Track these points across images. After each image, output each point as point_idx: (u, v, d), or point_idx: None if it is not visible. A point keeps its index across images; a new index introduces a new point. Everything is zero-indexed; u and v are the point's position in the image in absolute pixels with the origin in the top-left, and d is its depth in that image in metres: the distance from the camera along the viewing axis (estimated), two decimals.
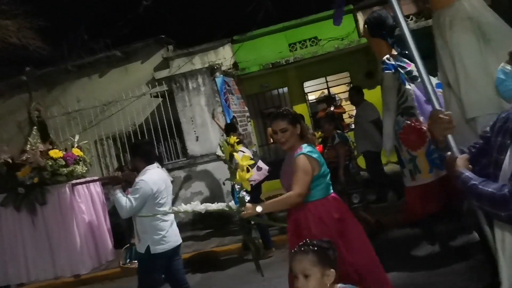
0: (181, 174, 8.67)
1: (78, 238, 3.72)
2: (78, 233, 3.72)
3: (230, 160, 6.15)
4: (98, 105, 8.88)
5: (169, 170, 7.81)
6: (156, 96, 9.09)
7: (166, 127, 8.66)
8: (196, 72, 8.80)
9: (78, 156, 3.94)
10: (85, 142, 4.11)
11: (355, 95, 6.92)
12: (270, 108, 11.00)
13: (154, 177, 3.71)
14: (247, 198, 2.77)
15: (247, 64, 9.92)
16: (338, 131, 5.86)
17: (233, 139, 6.08)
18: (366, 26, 4.47)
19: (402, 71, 4.26)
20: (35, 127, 3.95)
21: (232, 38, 9.88)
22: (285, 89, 10.99)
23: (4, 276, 3.66)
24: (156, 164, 3.90)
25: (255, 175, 6.01)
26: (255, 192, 6.02)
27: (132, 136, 8.95)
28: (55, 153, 3.80)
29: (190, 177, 8.63)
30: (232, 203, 2.78)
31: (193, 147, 8.59)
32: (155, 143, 8.85)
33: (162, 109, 8.84)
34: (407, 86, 4.18)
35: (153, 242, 3.59)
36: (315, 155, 2.87)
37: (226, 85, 8.76)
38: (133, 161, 3.96)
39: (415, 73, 4.05)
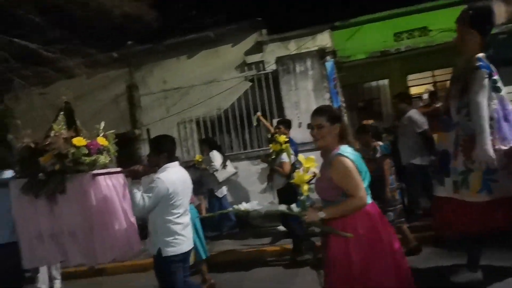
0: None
1: (95, 229, 3.53)
2: (95, 224, 3.53)
3: (275, 159, 5.84)
4: (184, 86, 8.87)
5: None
6: (252, 80, 8.74)
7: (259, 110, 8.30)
8: (305, 55, 8.36)
9: (102, 145, 3.71)
10: (112, 131, 3.89)
11: (402, 102, 6.15)
12: (367, 100, 10.19)
13: (172, 176, 3.56)
14: (308, 202, 2.74)
15: (351, 52, 9.20)
16: (380, 143, 5.19)
17: (282, 137, 5.82)
18: (467, 14, 3.86)
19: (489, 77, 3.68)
20: (61, 112, 3.86)
21: (333, 25, 9.16)
22: (386, 81, 10.03)
23: (27, 260, 3.66)
24: (177, 163, 3.67)
25: None
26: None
27: (216, 121, 8.86)
28: (78, 141, 3.61)
29: None
30: (294, 206, 2.74)
31: (295, 134, 7.92)
32: (241, 130, 8.68)
33: (250, 95, 8.59)
34: (493, 95, 3.66)
35: (164, 244, 3.51)
36: (352, 157, 2.69)
37: (335, 71, 8.25)
38: (154, 156, 3.69)
39: (499, 84, 3.75)
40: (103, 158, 3.74)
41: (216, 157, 7.54)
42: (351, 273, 2.63)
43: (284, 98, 8.26)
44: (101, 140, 3.76)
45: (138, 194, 3.43)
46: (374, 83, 10.23)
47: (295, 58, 8.34)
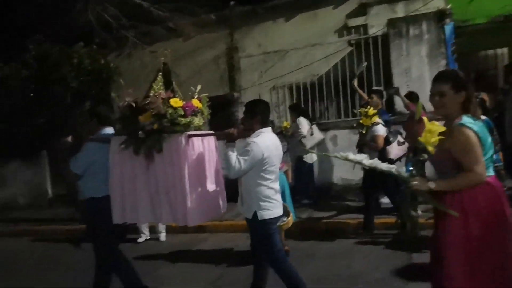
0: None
1: (188, 189, 3.61)
2: (188, 184, 3.60)
3: (366, 133, 5.61)
4: (279, 50, 8.72)
5: None
6: (352, 45, 8.36)
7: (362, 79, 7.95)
8: (420, 17, 7.79)
9: (197, 107, 3.77)
10: (205, 94, 3.92)
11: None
12: (482, 70, 9.24)
13: (267, 141, 3.57)
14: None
15: (469, 16, 8.36)
16: (483, 117, 4.63)
17: (371, 110, 5.64)
18: None
19: None
20: (160, 73, 3.96)
21: None
22: (505, 50, 8.96)
23: (119, 214, 3.85)
24: (270, 128, 3.67)
25: (395, 150, 5.65)
26: None
27: (309, 87, 8.68)
28: (175, 101, 3.68)
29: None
30: (403, 170, 2.65)
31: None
32: (342, 96, 8.43)
33: (347, 61, 8.25)
34: None
35: (259, 207, 3.53)
36: (476, 128, 2.48)
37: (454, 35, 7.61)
38: (248, 120, 3.69)
39: None
40: (197, 120, 3.79)
41: (303, 123, 7.49)
42: (470, 252, 2.47)
43: (393, 64, 7.83)
44: (196, 102, 3.80)
45: (234, 157, 3.46)
46: (490, 52, 9.20)
47: (409, 20, 7.85)
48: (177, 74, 8.33)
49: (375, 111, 5.82)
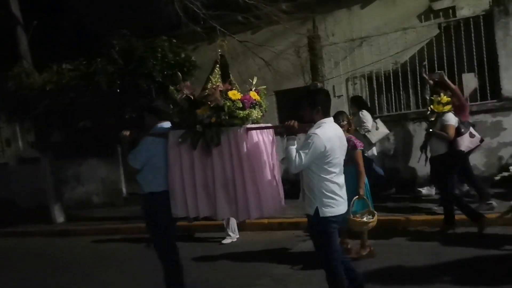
0: (489, 119, 7.61)
1: (246, 183, 3.64)
2: (247, 178, 3.63)
3: (435, 121, 5.45)
4: (355, 38, 8.52)
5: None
6: (441, 28, 8.04)
7: (444, 65, 7.76)
8: None
9: (255, 100, 3.74)
10: (263, 87, 3.87)
11: None
12: None
13: (328, 132, 3.45)
14: None
15: None
16: None
17: (445, 98, 5.45)
18: None
19: None
20: (217, 65, 3.96)
21: None
22: None
23: (180, 208, 3.91)
24: (331, 119, 3.56)
25: (466, 142, 5.56)
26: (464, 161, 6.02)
27: (391, 76, 8.44)
28: (233, 94, 3.68)
29: (500, 124, 7.55)
30: None
31: (510, 87, 7.26)
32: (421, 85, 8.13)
33: (435, 46, 7.98)
34: None
35: (321, 203, 3.44)
36: None
37: None
38: (308, 111, 3.58)
39: None
40: (255, 113, 3.77)
41: (367, 117, 7.29)
42: None
43: (498, 44, 7.48)
44: (254, 95, 3.79)
45: (294, 151, 3.40)
46: None
47: None
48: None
49: (449, 98, 5.60)
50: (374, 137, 7.21)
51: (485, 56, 7.65)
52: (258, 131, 3.77)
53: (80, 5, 10.66)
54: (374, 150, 7.43)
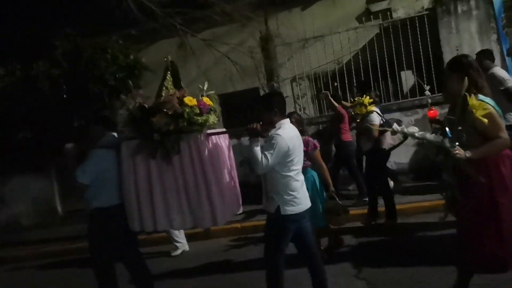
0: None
1: (212, 190, 3.69)
2: (210, 185, 3.69)
3: (361, 121, 5.96)
4: (297, 40, 8.82)
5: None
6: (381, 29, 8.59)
7: (386, 65, 8.39)
8: None
9: (209, 105, 3.81)
10: (212, 92, 3.94)
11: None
12: None
13: (290, 132, 3.66)
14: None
15: None
16: None
17: (367, 99, 5.95)
18: None
19: None
20: (168, 72, 3.95)
21: None
22: None
23: (137, 222, 3.85)
24: (288, 119, 3.74)
25: (388, 139, 5.96)
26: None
27: (332, 75, 8.92)
28: (189, 100, 3.70)
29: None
30: (446, 140, 3.01)
31: None
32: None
33: (376, 45, 8.52)
34: None
35: (284, 202, 3.59)
36: (491, 103, 3.07)
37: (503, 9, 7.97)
38: (266, 114, 3.71)
39: None
40: (212, 118, 3.82)
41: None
42: (498, 217, 3.00)
43: (443, 42, 8.20)
44: (207, 100, 3.85)
45: (259, 152, 3.51)
46: None
47: None
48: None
49: (371, 100, 6.08)
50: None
51: (430, 53, 8.28)
52: (217, 135, 3.84)
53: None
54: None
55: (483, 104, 2.97)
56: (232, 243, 6.75)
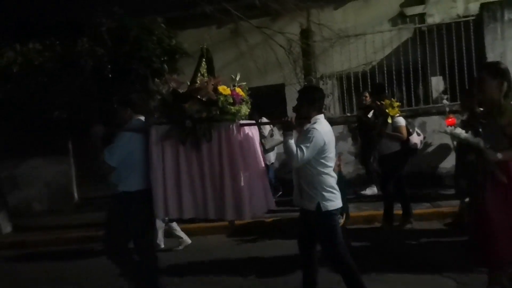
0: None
1: (241, 182, 3.70)
2: (241, 177, 3.70)
3: (384, 123, 6.12)
4: (327, 38, 8.86)
5: None
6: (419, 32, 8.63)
7: (418, 69, 8.52)
8: None
9: (242, 96, 3.84)
10: (244, 83, 3.94)
11: None
12: None
13: (326, 127, 3.68)
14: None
15: None
16: None
17: (396, 102, 6.17)
18: None
19: None
20: (204, 59, 3.99)
21: None
22: None
23: (162, 209, 3.86)
24: (323, 115, 3.78)
25: (415, 140, 6.28)
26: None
27: (360, 77, 8.95)
28: (223, 89, 3.74)
29: None
30: (479, 139, 3.22)
31: None
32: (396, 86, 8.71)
33: (404, 49, 8.64)
34: None
35: (323, 198, 3.60)
36: None
37: None
38: (305, 107, 3.74)
39: None
40: (244, 109, 3.86)
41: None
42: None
43: (487, 48, 8.24)
44: (239, 91, 3.87)
45: (294, 145, 3.53)
46: None
47: (504, 4, 8.34)
48: None
49: (399, 103, 6.32)
50: (268, 143, 7.77)
51: (474, 59, 8.32)
52: (250, 127, 3.86)
53: None
54: (272, 157, 8.11)
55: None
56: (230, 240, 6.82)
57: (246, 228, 6.90)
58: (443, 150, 8.23)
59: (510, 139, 3.20)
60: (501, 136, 3.21)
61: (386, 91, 6.94)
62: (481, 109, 5.07)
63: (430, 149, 8.40)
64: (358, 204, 7.64)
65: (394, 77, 8.70)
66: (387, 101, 6.21)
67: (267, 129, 7.78)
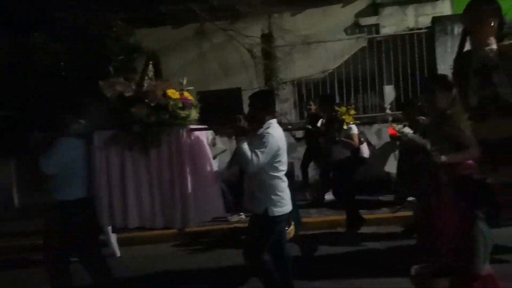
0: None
1: (190, 187, 3.63)
2: (189, 182, 3.63)
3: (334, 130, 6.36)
4: (285, 45, 8.97)
5: None
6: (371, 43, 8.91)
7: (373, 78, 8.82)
8: None
9: (191, 100, 3.77)
10: (191, 88, 3.89)
11: None
12: None
13: (279, 132, 3.70)
14: None
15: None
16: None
17: (353, 111, 6.36)
18: None
19: None
20: (151, 62, 3.87)
21: None
22: None
23: (107, 217, 3.72)
24: (275, 119, 3.75)
25: (365, 149, 6.45)
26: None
27: (319, 84, 9.19)
28: (172, 93, 3.66)
29: None
30: (426, 141, 3.33)
31: None
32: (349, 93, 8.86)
33: (359, 58, 8.94)
34: None
35: (272, 203, 3.60)
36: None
37: None
38: (259, 112, 3.71)
39: None
40: (194, 113, 3.80)
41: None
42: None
43: (438, 60, 8.72)
44: (188, 95, 3.81)
45: (249, 150, 3.48)
46: None
47: (452, 18, 8.77)
48: None
49: (355, 111, 6.53)
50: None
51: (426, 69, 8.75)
52: (199, 132, 3.80)
53: None
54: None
55: (463, 117, 3.40)
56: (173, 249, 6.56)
57: (197, 235, 6.74)
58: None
59: (455, 144, 3.32)
60: (447, 142, 3.34)
61: (335, 101, 7.11)
62: (423, 118, 5.39)
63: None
64: (321, 209, 7.69)
65: (352, 84, 9.00)
66: (344, 108, 6.36)
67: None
